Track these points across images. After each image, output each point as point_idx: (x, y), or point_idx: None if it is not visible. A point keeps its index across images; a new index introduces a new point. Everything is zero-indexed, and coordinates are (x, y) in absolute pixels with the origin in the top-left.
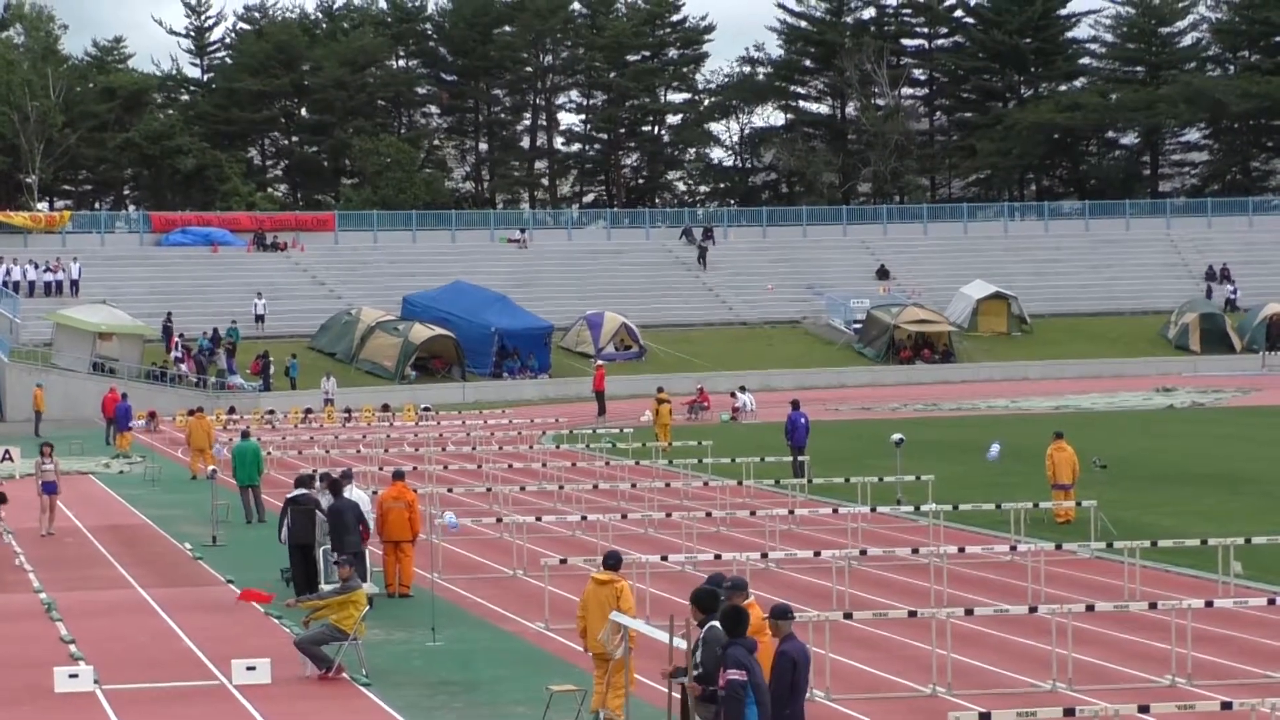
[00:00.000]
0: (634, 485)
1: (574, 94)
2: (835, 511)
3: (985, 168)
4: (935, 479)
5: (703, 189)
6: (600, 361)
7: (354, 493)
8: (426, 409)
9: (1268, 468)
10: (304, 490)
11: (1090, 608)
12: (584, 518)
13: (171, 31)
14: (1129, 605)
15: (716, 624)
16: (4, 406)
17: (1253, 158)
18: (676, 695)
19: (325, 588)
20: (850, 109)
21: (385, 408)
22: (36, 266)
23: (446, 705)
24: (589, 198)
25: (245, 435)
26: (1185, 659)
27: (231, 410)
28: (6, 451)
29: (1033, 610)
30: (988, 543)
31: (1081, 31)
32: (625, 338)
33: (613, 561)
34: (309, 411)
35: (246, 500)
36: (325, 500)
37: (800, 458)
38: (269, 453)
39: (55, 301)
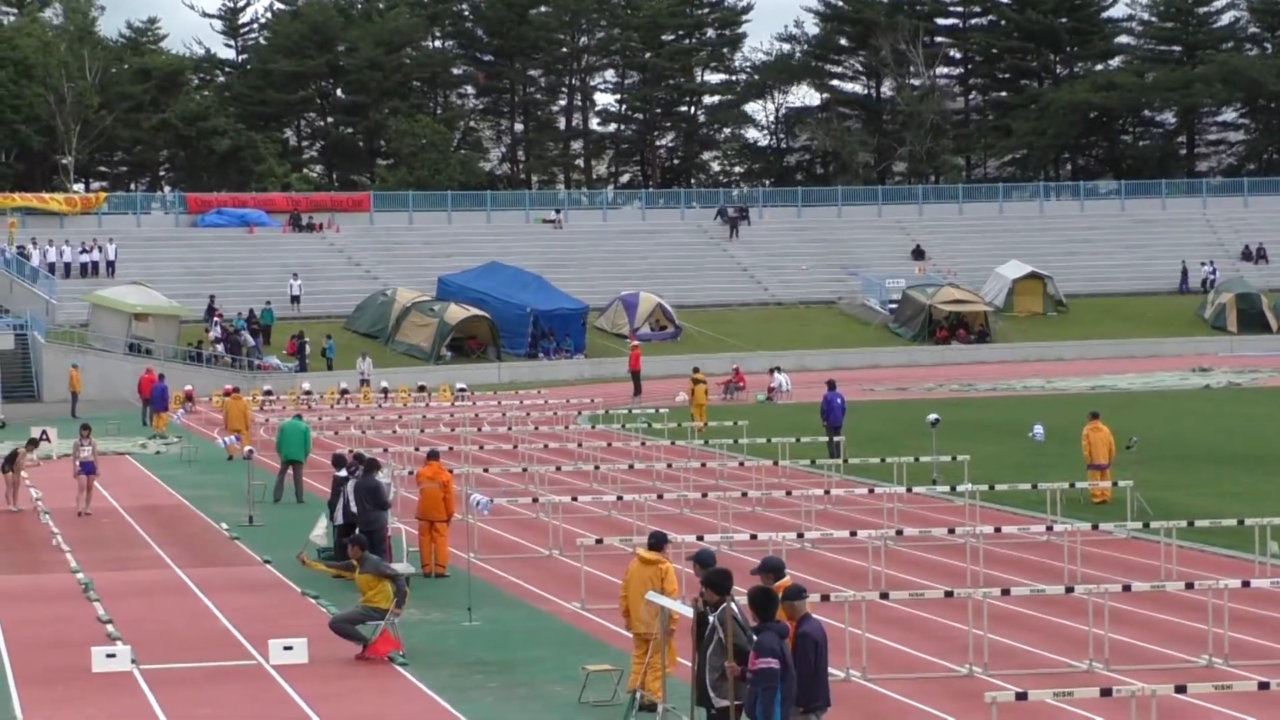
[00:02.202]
0: (670, 465)
1: (610, 74)
2: (871, 492)
3: (1021, 147)
4: (971, 459)
5: (738, 169)
6: (636, 342)
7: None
8: (462, 389)
9: None
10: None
11: (1127, 588)
12: (620, 498)
13: (205, 14)
14: (1165, 585)
15: (732, 605)
16: (41, 387)
17: None
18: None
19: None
20: (885, 89)
21: (421, 388)
22: (73, 247)
23: (482, 685)
24: (624, 178)
25: (298, 418)
26: (1222, 639)
27: (268, 391)
28: (44, 432)
29: (1069, 590)
30: (1024, 523)
31: (1118, 10)
32: (661, 318)
33: (657, 541)
34: (345, 392)
35: (282, 479)
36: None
37: (836, 438)
38: None
39: (91, 282)
